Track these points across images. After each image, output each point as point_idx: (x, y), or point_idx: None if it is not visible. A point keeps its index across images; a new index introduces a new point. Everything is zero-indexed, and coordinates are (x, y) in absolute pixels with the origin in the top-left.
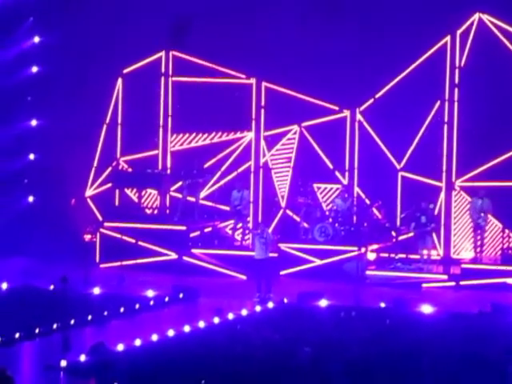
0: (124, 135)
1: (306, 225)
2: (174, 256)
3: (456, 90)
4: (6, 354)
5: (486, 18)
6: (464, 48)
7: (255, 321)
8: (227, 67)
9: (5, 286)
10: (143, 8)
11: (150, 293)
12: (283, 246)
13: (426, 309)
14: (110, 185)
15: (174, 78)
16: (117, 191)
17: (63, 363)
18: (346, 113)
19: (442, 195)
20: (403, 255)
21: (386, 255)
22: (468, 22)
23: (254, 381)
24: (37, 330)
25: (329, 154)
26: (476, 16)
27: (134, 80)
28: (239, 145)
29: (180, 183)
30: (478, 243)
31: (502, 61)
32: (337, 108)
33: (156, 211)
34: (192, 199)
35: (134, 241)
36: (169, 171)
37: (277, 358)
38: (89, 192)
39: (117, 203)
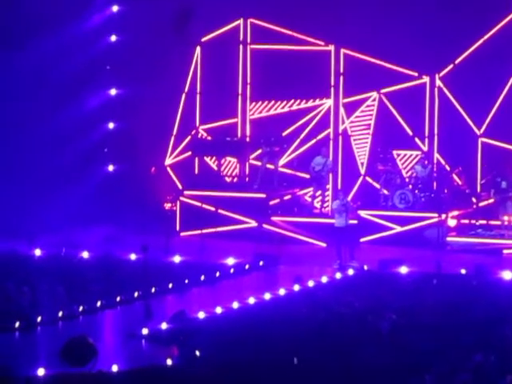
0: (203, 104)
1: (386, 192)
2: (253, 224)
3: None
4: (89, 322)
5: None
6: None
7: (335, 288)
8: (306, 34)
9: (86, 254)
10: None
11: (231, 260)
12: (363, 213)
13: (507, 275)
14: (189, 153)
15: (253, 46)
16: (196, 159)
17: (145, 331)
18: (426, 79)
19: None
20: (484, 221)
21: (466, 221)
22: None
23: (334, 347)
24: (118, 299)
25: (408, 120)
26: None
27: (213, 48)
28: (318, 112)
29: (259, 151)
30: None
31: None
32: (416, 74)
33: (235, 179)
34: (271, 167)
35: (213, 209)
36: (248, 139)
37: (357, 325)
38: (168, 160)
39: (196, 171)
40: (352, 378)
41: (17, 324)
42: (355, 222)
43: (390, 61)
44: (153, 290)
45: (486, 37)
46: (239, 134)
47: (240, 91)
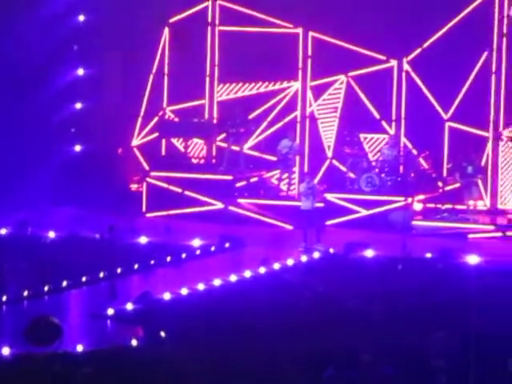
0: (170, 85)
1: (352, 175)
2: (220, 206)
3: (504, 40)
4: (54, 301)
5: None
6: None
7: (301, 271)
8: (274, 17)
9: (52, 234)
10: None
11: (196, 242)
12: (329, 196)
13: (472, 259)
14: (156, 134)
15: (221, 28)
16: (163, 141)
17: (110, 311)
18: (393, 62)
19: (489, 145)
20: (450, 205)
21: (432, 205)
22: None
23: (300, 330)
24: (84, 279)
25: (375, 103)
26: None
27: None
28: (285, 95)
29: (225, 133)
30: None
31: None
32: (384, 58)
33: (202, 161)
34: (236, 149)
35: (180, 190)
36: (215, 121)
37: (322, 309)
38: (135, 141)
39: (163, 153)
40: (317, 362)
41: None
42: (321, 204)
43: (358, 44)
44: (118, 270)
45: (454, 21)
46: (206, 116)
47: (208, 73)
